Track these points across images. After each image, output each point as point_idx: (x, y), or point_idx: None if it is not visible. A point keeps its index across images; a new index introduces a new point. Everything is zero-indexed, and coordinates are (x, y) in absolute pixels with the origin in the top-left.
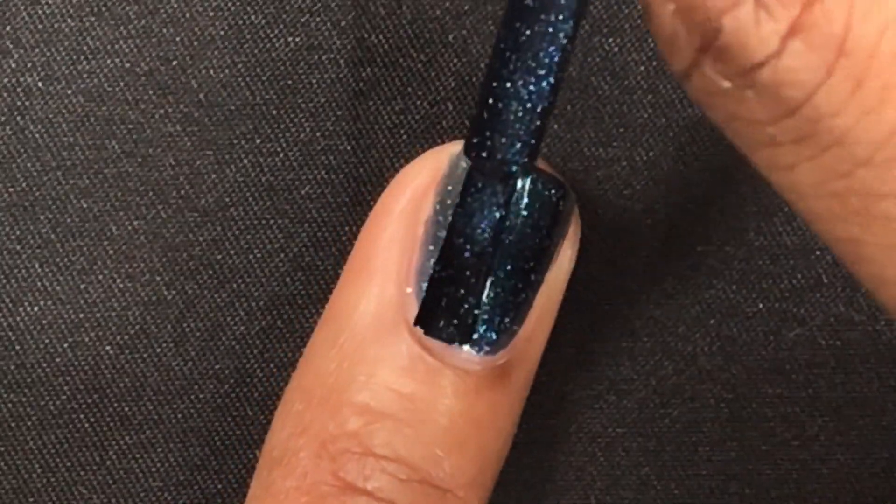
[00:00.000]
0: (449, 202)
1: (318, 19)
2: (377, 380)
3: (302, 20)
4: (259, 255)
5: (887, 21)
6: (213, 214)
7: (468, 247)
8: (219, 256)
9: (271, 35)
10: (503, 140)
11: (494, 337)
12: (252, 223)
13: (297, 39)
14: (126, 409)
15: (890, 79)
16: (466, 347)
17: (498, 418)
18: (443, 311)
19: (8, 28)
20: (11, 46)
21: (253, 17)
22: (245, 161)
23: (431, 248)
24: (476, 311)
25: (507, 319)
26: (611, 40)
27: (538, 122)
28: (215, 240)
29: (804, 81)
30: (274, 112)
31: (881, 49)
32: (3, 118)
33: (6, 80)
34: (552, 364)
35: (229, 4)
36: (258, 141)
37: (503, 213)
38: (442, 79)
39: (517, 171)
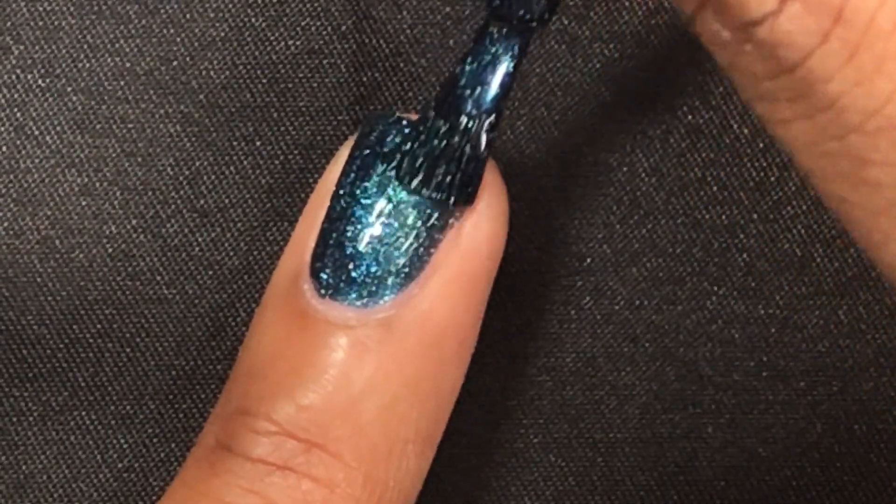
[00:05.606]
0: (353, 176)
1: (318, 23)
2: (261, 342)
3: (302, 23)
4: (259, 257)
5: None
6: (212, 216)
7: (472, 100)
8: (218, 257)
9: (272, 38)
10: None
11: (368, 284)
12: (252, 225)
13: (298, 43)
14: (127, 407)
15: (885, 50)
16: (339, 297)
17: (377, 379)
18: (436, 162)
19: (9, 24)
20: (12, 43)
21: (254, 20)
22: (245, 163)
23: (338, 224)
24: (472, 168)
25: (377, 268)
26: (611, 46)
27: None
28: (214, 241)
29: (800, 44)
30: (274, 115)
31: (878, 21)
32: (2, 115)
33: (6, 76)
34: (553, 369)
35: (230, 6)
36: (258, 143)
37: (515, 67)
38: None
39: (535, 26)
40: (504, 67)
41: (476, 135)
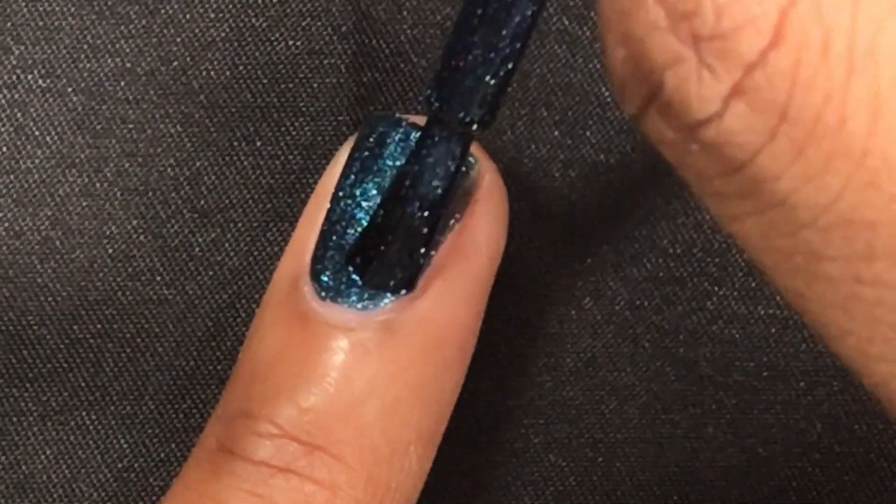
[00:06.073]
0: (353, 178)
1: (318, 23)
2: (262, 344)
3: (303, 24)
4: (259, 257)
5: (831, 90)
6: (212, 216)
7: (418, 202)
8: (218, 258)
9: (272, 38)
10: (464, 98)
11: (365, 289)
12: (252, 225)
13: (299, 43)
14: (127, 407)
15: (833, 146)
16: (340, 300)
17: (378, 381)
18: (380, 259)
19: (9, 24)
20: (12, 43)
21: (254, 20)
22: (245, 163)
23: (339, 225)
24: (418, 264)
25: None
26: None
27: (500, 84)
28: (215, 241)
29: (746, 143)
30: (275, 115)
31: (824, 117)
32: (2, 115)
33: (6, 76)
34: (553, 369)
35: (230, 6)
36: (258, 143)
37: (457, 167)
38: None
39: (476, 129)
40: (444, 171)
41: (418, 230)
